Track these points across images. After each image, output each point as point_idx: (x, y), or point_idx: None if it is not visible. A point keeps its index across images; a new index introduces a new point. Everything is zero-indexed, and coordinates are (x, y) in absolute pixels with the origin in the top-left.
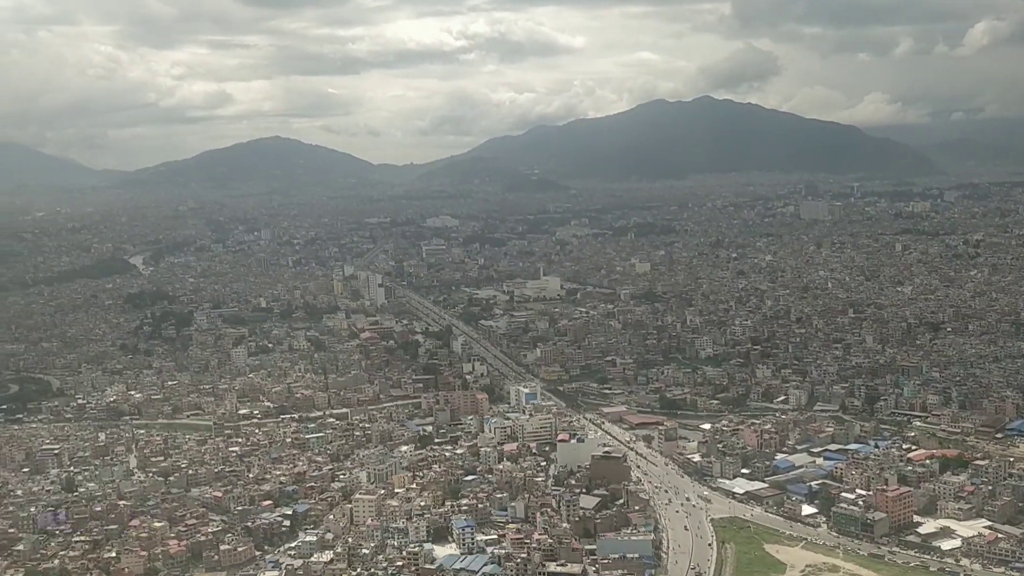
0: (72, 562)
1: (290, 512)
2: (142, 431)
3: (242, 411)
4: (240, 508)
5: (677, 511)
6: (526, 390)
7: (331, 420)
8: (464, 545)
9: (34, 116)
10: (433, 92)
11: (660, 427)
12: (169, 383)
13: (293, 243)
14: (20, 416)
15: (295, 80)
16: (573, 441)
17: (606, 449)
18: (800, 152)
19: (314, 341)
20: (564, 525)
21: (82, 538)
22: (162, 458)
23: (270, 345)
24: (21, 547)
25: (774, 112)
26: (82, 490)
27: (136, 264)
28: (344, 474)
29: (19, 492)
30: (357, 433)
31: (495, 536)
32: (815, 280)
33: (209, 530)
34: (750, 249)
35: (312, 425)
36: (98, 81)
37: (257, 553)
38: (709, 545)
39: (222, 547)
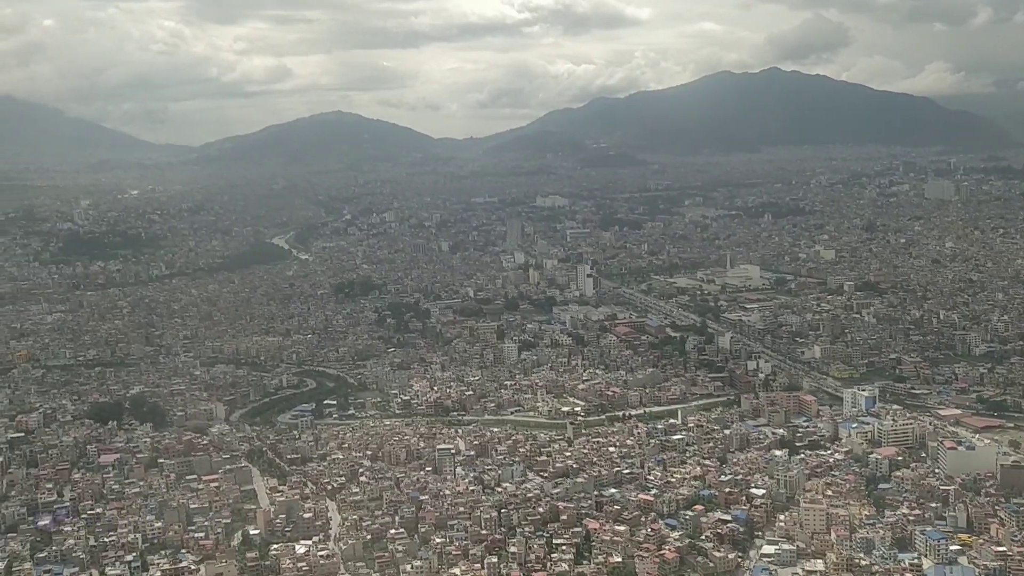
0: (579, 567)
1: (728, 518)
2: (496, 429)
3: (563, 408)
4: (691, 514)
5: None
6: (865, 393)
7: (672, 421)
8: (939, 557)
9: (99, 92)
10: (490, 65)
11: None
12: (470, 379)
13: (425, 225)
14: (352, 412)
15: (353, 54)
16: (961, 448)
17: (1014, 459)
18: (873, 124)
19: (573, 335)
20: None
21: (560, 540)
22: (545, 457)
23: (531, 339)
24: (514, 549)
25: (843, 84)
26: (499, 489)
27: (283, 247)
28: (744, 479)
29: (446, 492)
30: (715, 435)
31: (958, 547)
32: (1021, 270)
33: (674, 535)
34: (911, 233)
35: (659, 426)
36: (160, 56)
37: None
38: None
39: (716, 553)
